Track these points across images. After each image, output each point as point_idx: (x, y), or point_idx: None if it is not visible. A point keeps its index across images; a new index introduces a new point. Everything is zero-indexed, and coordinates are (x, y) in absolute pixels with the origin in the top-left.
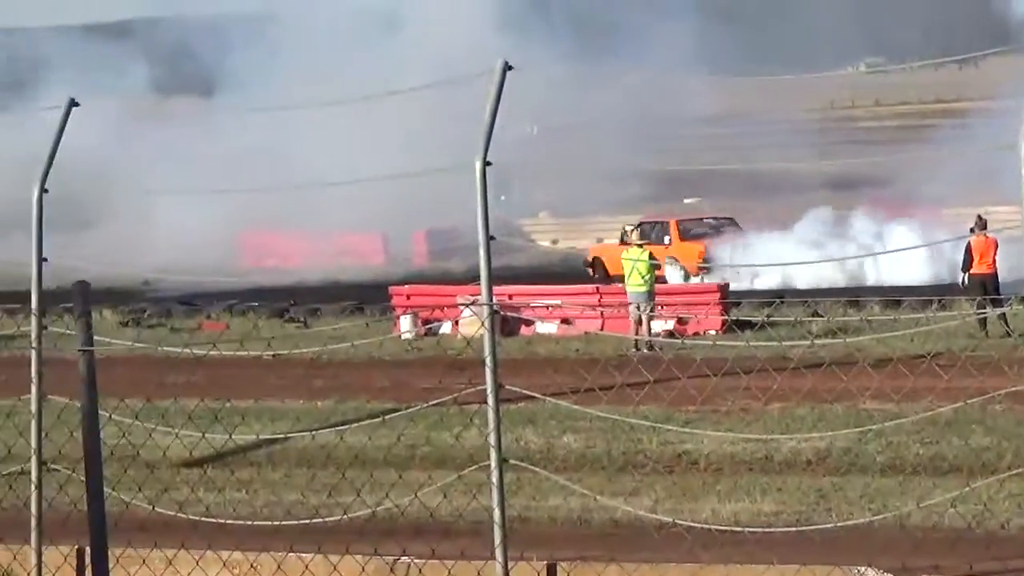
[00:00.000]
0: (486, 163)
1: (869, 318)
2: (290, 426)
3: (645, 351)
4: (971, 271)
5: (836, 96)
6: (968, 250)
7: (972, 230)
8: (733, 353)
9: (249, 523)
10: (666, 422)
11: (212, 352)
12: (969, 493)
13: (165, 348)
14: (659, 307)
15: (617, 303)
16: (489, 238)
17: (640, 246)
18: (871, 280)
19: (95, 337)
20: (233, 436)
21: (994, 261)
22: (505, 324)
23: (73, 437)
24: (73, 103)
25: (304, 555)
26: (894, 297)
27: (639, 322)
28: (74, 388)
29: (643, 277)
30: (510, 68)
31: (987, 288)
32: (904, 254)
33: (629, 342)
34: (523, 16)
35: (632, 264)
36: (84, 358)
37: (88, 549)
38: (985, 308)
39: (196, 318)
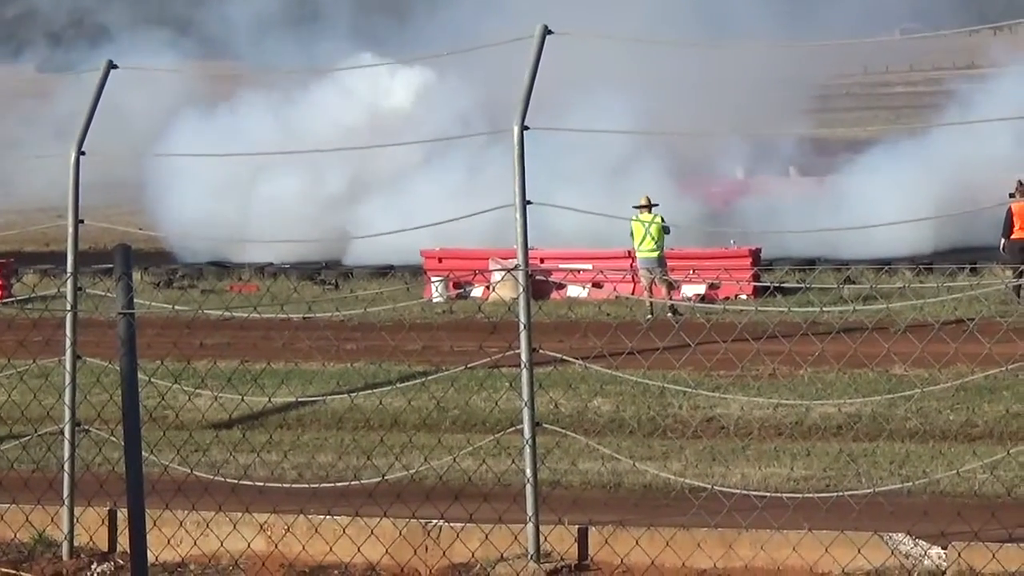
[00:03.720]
0: (524, 128)
1: (903, 284)
2: (324, 389)
3: (669, 315)
4: (1011, 236)
5: (870, 62)
6: (1008, 216)
7: (1012, 195)
8: (763, 317)
9: (285, 486)
10: (696, 387)
11: (250, 314)
12: (1000, 460)
13: (206, 311)
14: (692, 272)
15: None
16: (525, 202)
17: (650, 210)
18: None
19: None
20: (272, 399)
21: None
22: (537, 287)
23: (112, 399)
24: (112, 65)
25: (340, 518)
26: (926, 264)
27: (651, 288)
28: (113, 351)
29: (655, 242)
30: (550, 32)
31: None
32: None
33: (658, 307)
34: None
35: (644, 229)
36: (124, 321)
37: (121, 511)
38: (1023, 274)
39: (227, 280)
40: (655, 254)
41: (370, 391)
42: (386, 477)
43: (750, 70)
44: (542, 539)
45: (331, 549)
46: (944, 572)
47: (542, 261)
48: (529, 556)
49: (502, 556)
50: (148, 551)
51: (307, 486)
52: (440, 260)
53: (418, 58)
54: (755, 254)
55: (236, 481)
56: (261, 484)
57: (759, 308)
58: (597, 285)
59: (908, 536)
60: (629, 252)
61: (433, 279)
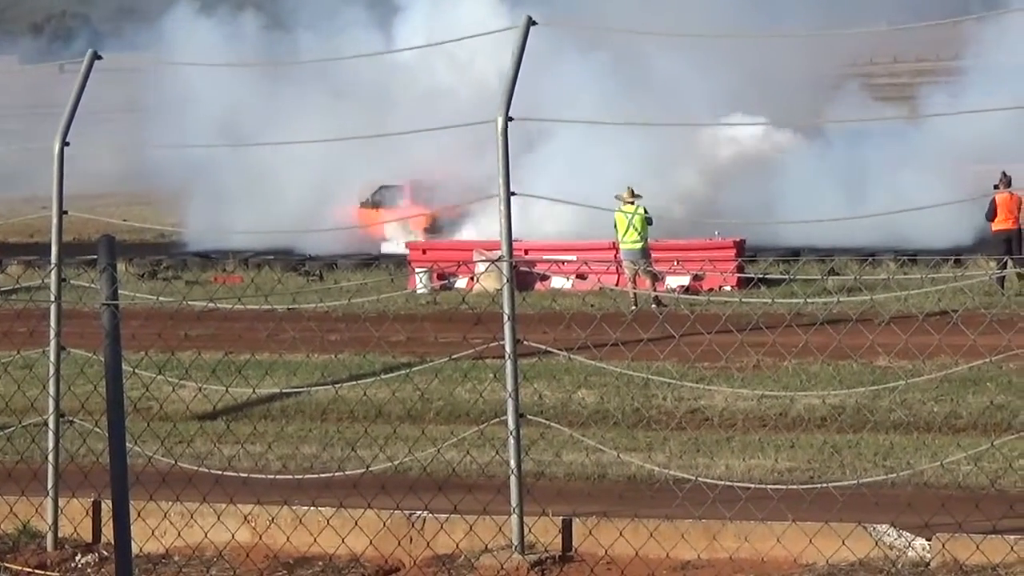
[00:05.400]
0: (508, 119)
1: (887, 276)
2: (308, 380)
3: (653, 307)
4: (994, 229)
5: (856, 53)
6: (992, 206)
7: (996, 186)
8: (747, 309)
9: (270, 477)
10: (681, 378)
11: (235, 306)
12: (984, 451)
13: (190, 303)
14: (675, 263)
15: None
16: (510, 193)
17: (633, 202)
18: (890, 237)
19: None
20: (256, 390)
21: (1017, 218)
22: (521, 279)
23: (96, 391)
24: (96, 55)
25: (324, 509)
26: (910, 255)
27: (635, 279)
28: (97, 341)
29: (639, 233)
30: (534, 23)
31: (1011, 245)
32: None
33: (642, 298)
34: None
35: (628, 220)
36: (108, 312)
37: (106, 502)
38: (1006, 265)
39: (211, 271)
40: (639, 245)
41: (354, 382)
42: (370, 468)
43: (766, 59)
44: (526, 530)
45: (315, 540)
46: (928, 563)
47: (526, 252)
48: (513, 547)
49: (486, 547)
50: (132, 542)
51: (291, 477)
52: (424, 251)
53: (408, 49)
54: (739, 245)
55: (220, 472)
56: (245, 475)
57: (743, 300)
58: (581, 276)
59: (892, 527)
60: (613, 244)
61: (417, 270)
